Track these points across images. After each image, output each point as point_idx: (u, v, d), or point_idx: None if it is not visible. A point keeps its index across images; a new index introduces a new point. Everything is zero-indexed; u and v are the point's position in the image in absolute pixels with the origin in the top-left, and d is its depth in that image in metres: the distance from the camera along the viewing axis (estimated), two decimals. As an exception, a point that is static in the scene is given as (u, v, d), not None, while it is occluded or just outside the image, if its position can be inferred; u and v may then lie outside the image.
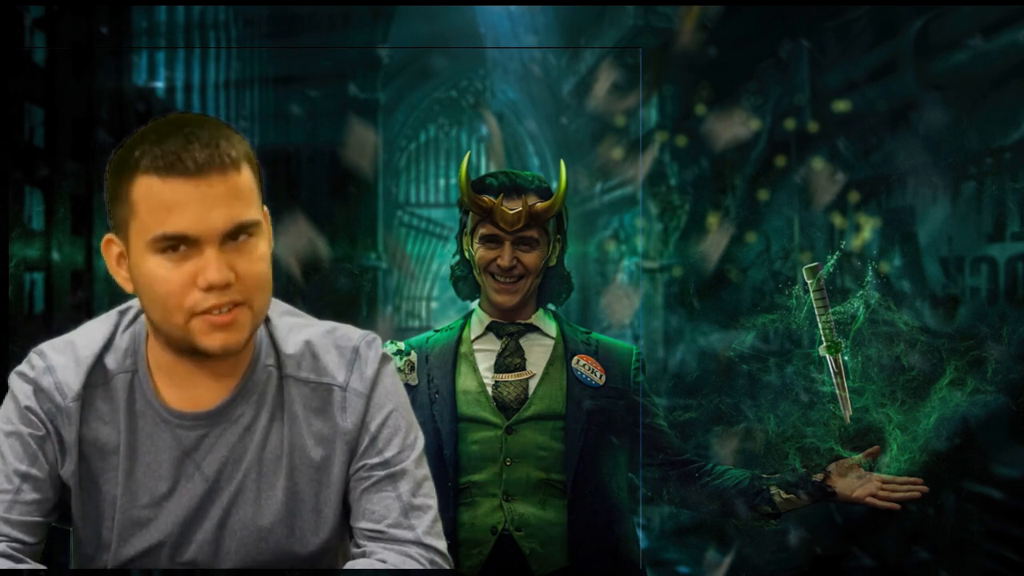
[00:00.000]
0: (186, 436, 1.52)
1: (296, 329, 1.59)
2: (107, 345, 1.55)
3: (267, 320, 1.58)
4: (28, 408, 1.51)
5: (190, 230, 1.39)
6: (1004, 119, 4.12)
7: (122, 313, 1.59)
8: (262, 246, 1.46)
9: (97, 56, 5.82)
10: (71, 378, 1.52)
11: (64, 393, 1.52)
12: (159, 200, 1.39)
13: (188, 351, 1.47)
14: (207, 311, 1.41)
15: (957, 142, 4.24)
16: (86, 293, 5.63)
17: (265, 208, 1.53)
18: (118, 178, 1.44)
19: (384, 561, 1.50)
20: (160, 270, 1.41)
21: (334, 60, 6.81)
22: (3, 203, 4.61)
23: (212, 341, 1.43)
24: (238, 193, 1.42)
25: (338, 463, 1.56)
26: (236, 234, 1.42)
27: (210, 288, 1.40)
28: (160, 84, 6.23)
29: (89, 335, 1.57)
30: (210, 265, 1.40)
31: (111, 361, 1.55)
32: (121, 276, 1.50)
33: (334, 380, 1.56)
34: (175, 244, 1.41)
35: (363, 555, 1.52)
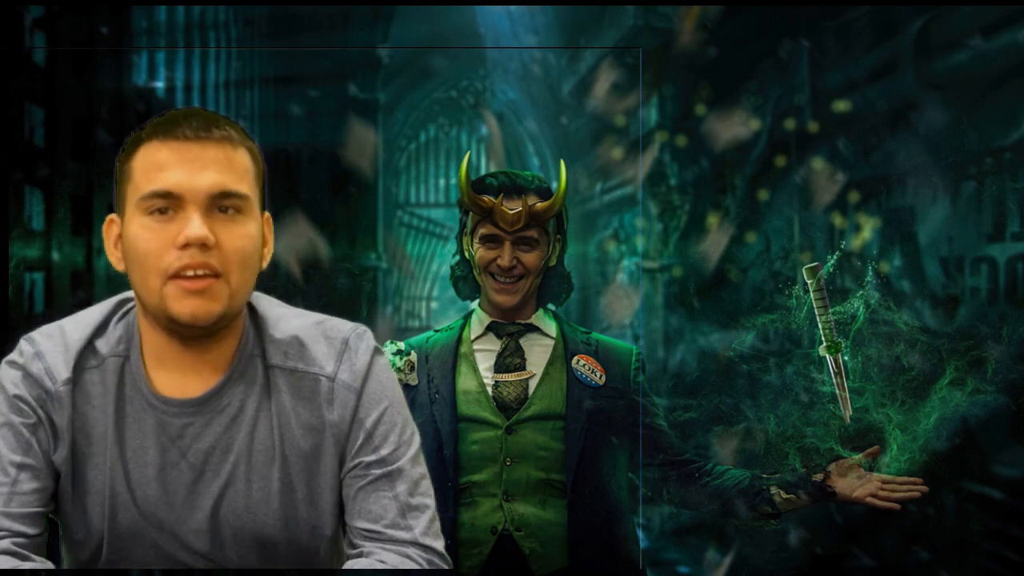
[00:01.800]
0: (171, 423, 1.52)
1: (285, 319, 1.59)
2: (99, 330, 1.56)
3: (254, 312, 1.59)
4: (17, 397, 1.51)
5: (176, 188, 1.43)
6: (1004, 119, 4.12)
7: (120, 303, 1.60)
8: (250, 226, 1.48)
9: (97, 56, 5.83)
10: (60, 363, 1.52)
11: (53, 378, 1.52)
12: (153, 161, 1.45)
13: (164, 323, 1.48)
14: (181, 271, 1.43)
15: (957, 142, 4.24)
16: (86, 293, 5.64)
17: (267, 214, 1.55)
18: (125, 156, 1.49)
19: (383, 562, 1.49)
20: (144, 231, 1.44)
21: (334, 60, 6.81)
22: (3, 203, 4.61)
23: (183, 307, 1.44)
24: (230, 164, 1.46)
25: (327, 454, 1.55)
26: (223, 204, 1.45)
27: (187, 245, 1.42)
28: (160, 84, 6.23)
29: (80, 320, 1.58)
30: (191, 222, 1.42)
31: (103, 345, 1.55)
32: (115, 257, 1.52)
33: (321, 371, 1.56)
34: (163, 207, 1.44)
35: (361, 555, 1.52)
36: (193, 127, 1.45)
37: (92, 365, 1.54)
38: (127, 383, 1.53)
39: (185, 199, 1.43)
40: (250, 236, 1.48)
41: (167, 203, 1.43)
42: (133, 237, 1.45)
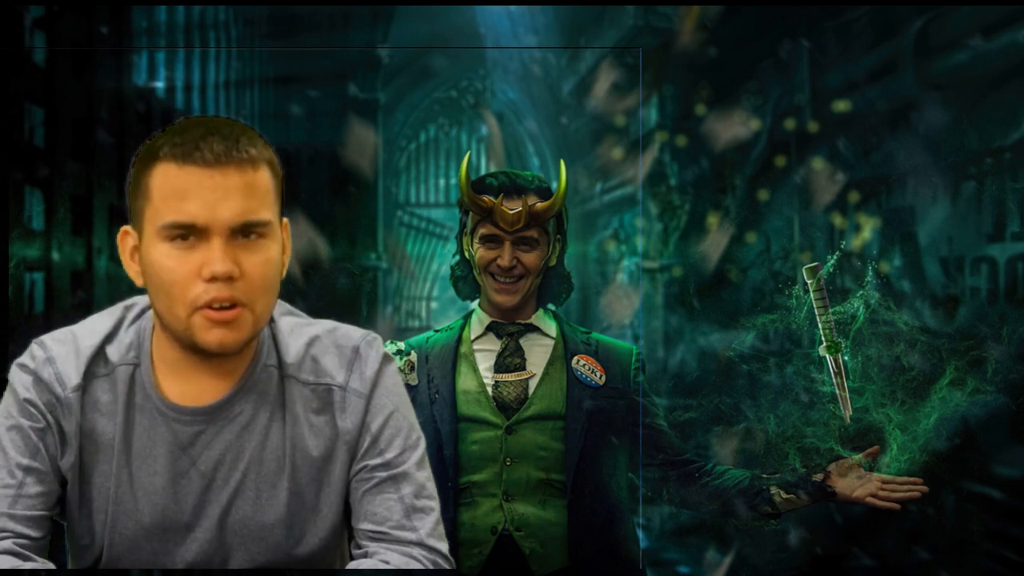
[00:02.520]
0: (182, 431, 1.52)
1: (298, 329, 1.59)
2: (109, 337, 1.56)
3: (270, 320, 1.59)
4: (27, 400, 1.51)
5: (199, 219, 1.41)
6: (1004, 119, 4.13)
7: (128, 308, 1.59)
8: (272, 249, 1.47)
9: (97, 56, 5.82)
10: (71, 369, 1.52)
11: (64, 384, 1.52)
12: (173, 187, 1.42)
13: (188, 346, 1.47)
14: (208, 304, 1.42)
15: (957, 142, 4.24)
16: (86, 293, 5.64)
17: (285, 220, 1.54)
18: (139, 169, 1.47)
19: (387, 562, 1.50)
20: (167, 259, 1.43)
21: (334, 60, 6.81)
22: (3, 203, 4.61)
23: (211, 337, 1.43)
24: (252, 190, 1.44)
25: (339, 463, 1.56)
26: (246, 231, 1.43)
27: (213, 279, 1.41)
28: (160, 84, 6.23)
29: (91, 327, 1.57)
30: (215, 256, 1.41)
31: (114, 353, 1.55)
32: (133, 270, 1.51)
33: (333, 380, 1.56)
34: (184, 233, 1.42)
35: (365, 555, 1.52)
36: (214, 152, 1.41)
37: (102, 373, 1.54)
38: (137, 391, 1.53)
39: (208, 229, 1.41)
40: (272, 260, 1.47)
41: (189, 232, 1.42)
42: (156, 264, 1.44)
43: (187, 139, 1.43)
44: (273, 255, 1.47)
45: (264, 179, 1.46)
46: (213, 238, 1.41)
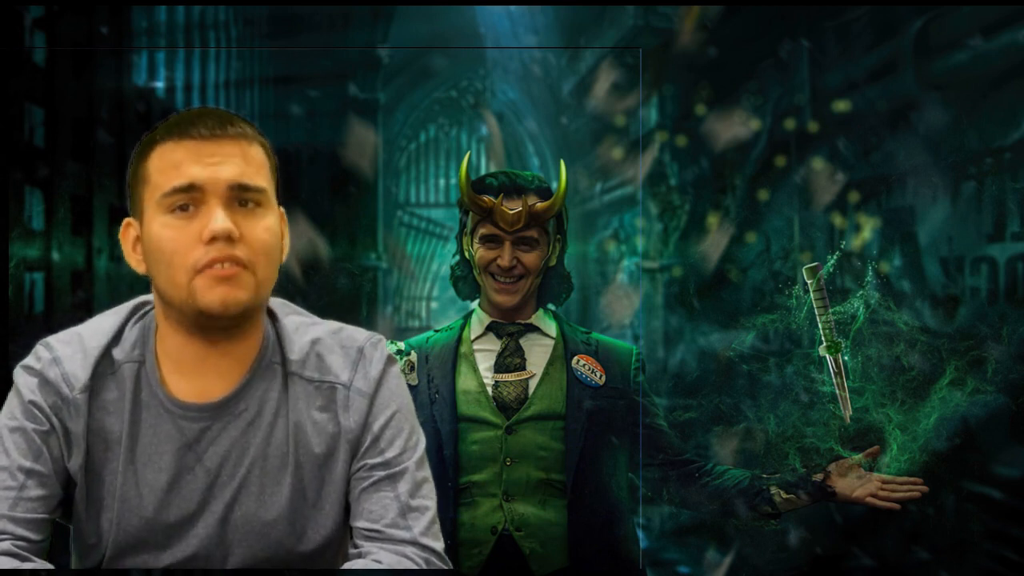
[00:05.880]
0: (188, 428, 1.52)
1: (303, 328, 1.60)
2: (116, 337, 1.56)
3: (275, 319, 1.60)
4: (32, 403, 1.51)
5: (197, 179, 1.44)
6: (1004, 119, 4.13)
7: (135, 308, 1.60)
8: (270, 218, 1.49)
9: (97, 56, 5.82)
10: (78, 369, 1.52)
11: (71, 384, 1.52)
12: (171, 159, 1.45)
13: (191, 318, 1.48)
14: (208, 265, 1.43)
15: (957, 142, 4.24)
16: (86, 293, 5.64)
17: (281, 209, 1.56)
18: (137, 160, 1.50)
19: (380, 561, 1.50)
20: (167, 229, 1.45)
21: (334, 60, 6.81)
22: (3, 203, 4.61)
23: (213, 296, 1.44)
24: (248, 159, 1.48)
25: (341, 461, 1.56)
26: (243, 198, 1.46)
27: (213, 240, 1.43)
28: (160, 84, 6.23)
29: (97, 327, 1.58)
30: (215, 216, 1.43)
31: (119, 352, 1.55)
32: (135, 259, 1.53)
33: (337, 379, 1.57)
34: (184, 203, 1.44)
35: (359, 555, 1.53)
36: (208, 126, 1.46)
37: (109, 372, 1.54)
38: (143, 389, 1.54)
39: (206, 192, 1.44)
40: (271, 229, 1.49)
41: (188, 199, 1.44)
42: (156, 237, 1.46)
43: (182, 120, 1.47)
44: (271, 224, 1.49)
45: (258, 153, 1.50)
46: (211, 201, 1.44)
